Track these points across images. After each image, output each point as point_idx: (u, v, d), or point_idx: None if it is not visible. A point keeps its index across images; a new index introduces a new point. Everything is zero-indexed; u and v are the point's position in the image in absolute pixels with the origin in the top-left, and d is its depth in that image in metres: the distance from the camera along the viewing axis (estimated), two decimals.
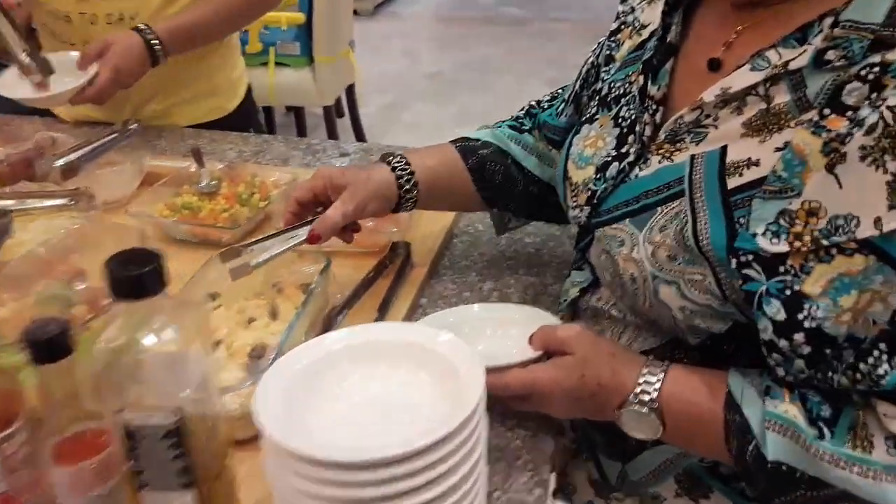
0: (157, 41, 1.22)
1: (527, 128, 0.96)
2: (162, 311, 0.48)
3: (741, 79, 0.64)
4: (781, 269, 0.58)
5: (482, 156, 0.92)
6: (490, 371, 0.59)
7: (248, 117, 1.50)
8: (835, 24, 0.59)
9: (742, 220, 0.61)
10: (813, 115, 0.59)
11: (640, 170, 0.72)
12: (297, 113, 3.52)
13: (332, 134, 3.21)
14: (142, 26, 1.22)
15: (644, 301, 0.70)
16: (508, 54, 4.68)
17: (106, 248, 0.83)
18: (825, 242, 0.56)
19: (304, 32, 2.97)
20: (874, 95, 0.56)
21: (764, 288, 0.59)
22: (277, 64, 3.03)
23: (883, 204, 0.54)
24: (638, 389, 0.65)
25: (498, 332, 0.77)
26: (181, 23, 1.26)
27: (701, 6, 0.74)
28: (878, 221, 0.54)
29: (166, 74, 1.29)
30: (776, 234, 0.58)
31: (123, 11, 1.26)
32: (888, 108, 0.55)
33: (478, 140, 0.94)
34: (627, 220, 0.70)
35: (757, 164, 0.62)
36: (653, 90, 0.73)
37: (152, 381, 0.48)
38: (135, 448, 0.48)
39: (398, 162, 0.87)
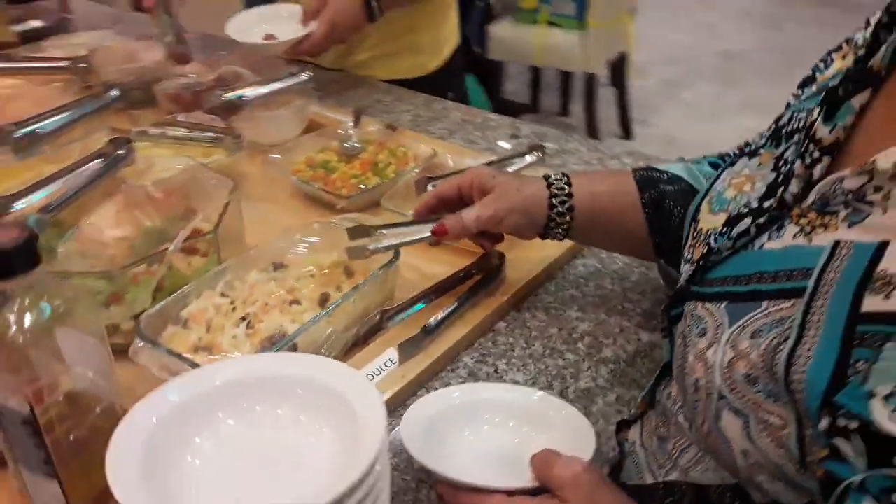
0: None
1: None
2: (35, 289, 0.44)
3: None
4: None
5: (663, 191, 0.75)
6: (466, 488, 0.51)
7: (449, 79, 1.44)
8: None
9: (861, 366, 0.41)
10: None
11: (769, 239, 0.52)
12: (565, 77, 3.41)
13: (590, 103, 3.06)
14: None
15: (703, 422, 0.52)
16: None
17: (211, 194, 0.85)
18: None
19: None
20: None
21: (859, 479, 0.39)
22: (549, 23, 2.93)
23: None
24: None
25: (497, 419, 0.63)
26: None
27: None
28: None
29: (372, 26, 1.27)
30: None
31: None
32: None
33: (665, 172, 0.77)
34: (725, 303, 0.52)
35: None
36: (822, 131, 0.52)
37: (26, 359, 0.45)
38: (4, 426, 0.46)
39: (558, 178, 0.75)
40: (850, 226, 0.46)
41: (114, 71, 1.21)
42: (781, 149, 0.58)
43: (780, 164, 0.57)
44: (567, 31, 2.91)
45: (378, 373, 0.70)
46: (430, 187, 0.90)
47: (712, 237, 0.58)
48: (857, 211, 0.46)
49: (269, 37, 1.21)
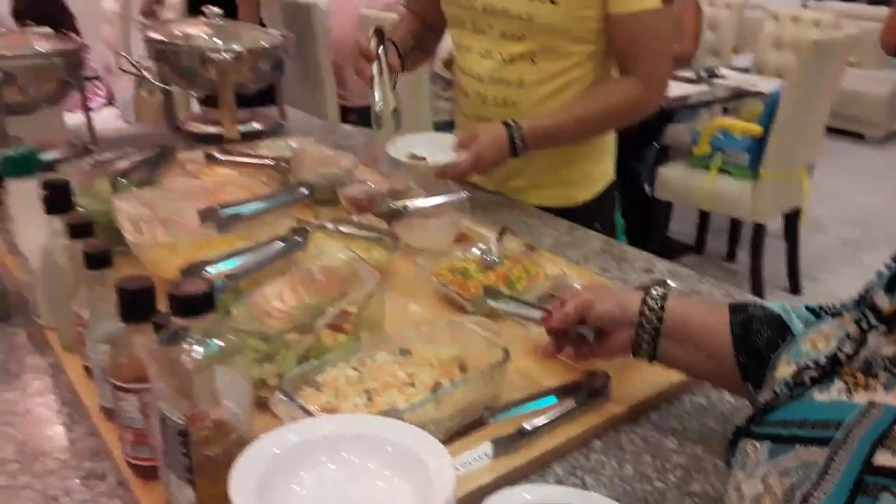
0: (520, 139, 1.34)
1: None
2: (209, 331, 0.58)
3: None
4: None
5: (752, 314, 0.79)
6: None
7: (597, 212, 1.53)
8: None
9: None
10: None
11: (820, 392, 0.57)
12: (734, 222, 3.39)
13: (757, 252, 3.01)
14: (510, 122, 1.35)
15: None
16: None
17: (363, 283, 0.99)
18: None
19: (757, 145, 2.86)
20: None
21: None
22: (721, 171, 2.97)
23: None
24: None
25: None
26: (545, 125, 1.37)
27: None
28: None
29: (529, 157, 1.41)
30: None
31: (508, 97, 1.41)
32: None
33: (757, 304, 0.82)
34: (769, 443, 0.57)
35: None
36: (882, 300, 0.56)
37: (191, 383, 0.58)
38: (165, 433, 0.59)
39: (657, 291, 0.83)
40: (886, 390, 0.50)
41: (308, 171, 1.43)
42: (860, 312, 0.61)
43: (860, 322, 0.60)
44: (739, 179, 2.93)
45: (471, 462, 0.78)
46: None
47: (783, 384, 0.62)
48: (895, 377, 0.50)
49: (421, 158, 1.38)
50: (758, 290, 3.03)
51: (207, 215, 1.08)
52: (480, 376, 0.84)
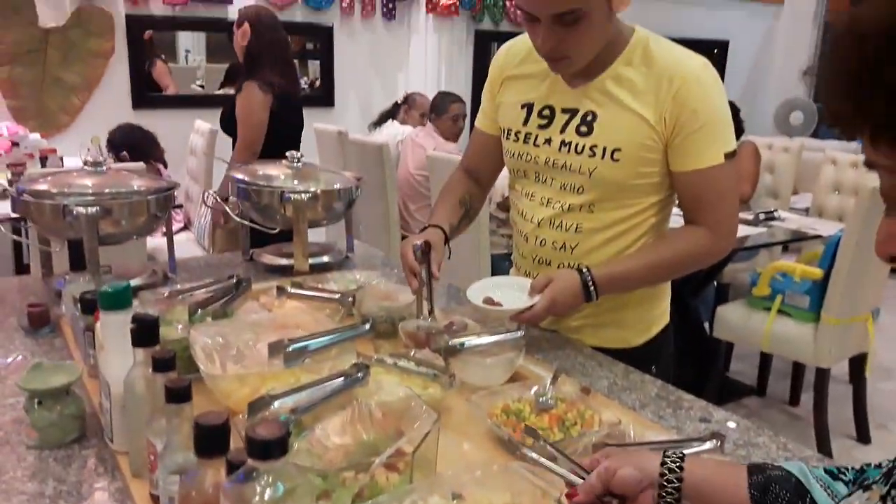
0: (593, 284, 1.38)
1: (847, 478, 0.80)
2: (276, 472, 0.62)
3: None
4: None
5: (770, 476, 0.81)
6: None
7: (654, 355, 1.54)
8: None
9: None
10: None
11: None
12: (796, 365, 3.31)
13: (821, 398, 2.91)
14: (583, 269, 1.39)
15: None
16: None
17: (419, 422, 1.02)
18: None
19: (819, 288, 2.84)
20: None
21: None
22: (781, 312, 2.94)
23: None
24: None
25: None
26: (617, 271, 1.41)
27: None
28: None
29: None
30: None
31: (567, 242, 1.47)
32: None
33: (775, 465, 0.83)
34: None
35: None
36: None
37: None
38: None
39: (676, 454, 0.85)
40: None
41: (371, 305, 1.50)
42: (888, 487, 0.62)
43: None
44: (800, 322, 2.89)
45: None
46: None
47: None
48: None
49: (496, 302, 1.43)
50: (823, 437, 2.91)
51: (275, 349, 1.14)
52: None
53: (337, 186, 1.85)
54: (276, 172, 1.86)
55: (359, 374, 1.10)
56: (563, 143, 1.43)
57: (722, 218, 1.41)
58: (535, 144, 1.47)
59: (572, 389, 1.23)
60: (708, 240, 1.41)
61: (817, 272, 2.80)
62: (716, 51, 6.73)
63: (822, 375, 2.91)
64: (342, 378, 1.09)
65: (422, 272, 1.44)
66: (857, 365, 3.06)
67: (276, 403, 1.00)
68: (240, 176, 1.84)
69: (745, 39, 6.98)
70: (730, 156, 1.37)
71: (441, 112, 4.12)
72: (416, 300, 1.46)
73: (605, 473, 0.84)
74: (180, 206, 4.07)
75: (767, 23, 7.17)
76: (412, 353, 1.28)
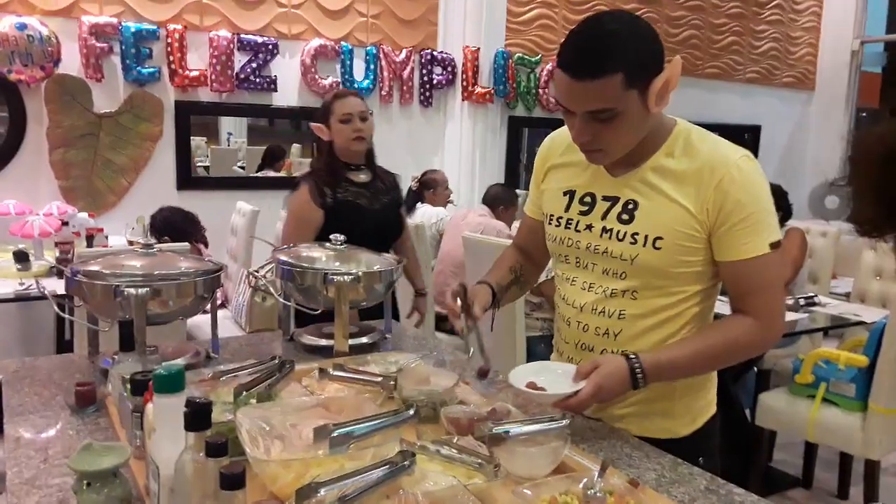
0: (640, 371, 1.36)
1: None
2: None
3: None
4: None
5: None
6: None
7: (701, 446, 1.50)
8: None
9: None
10: None
11: None
12: (844, 455, 3.19)
13: (871, 491, 2.79)
14: (631, 355, 1.37)
15: None
16: None
17: None
18: None
19: (864, 376, 2.76)
20: None
21: None
22: (826, 400, 2.86)
23: None
24: None
25: None
26: (664, 358, 1.39)
27: None
28: None
29: None
30: None
31: (610, 328, 1.46)
32: None
33: None
34: None
35: None
36: None
37: None
38: None
39: None
40: None
41: (412, 390, 1.49)
42: None
43: None
44: (846, 411, 2.80)
45: None
46: None
47: None
48: None
49: (539, 387, 1.40)
50: None
51: (321, 434, 1.14)
52: None
53: (377, 268, 1.88)
54: (318, 254, 1.89)
55: (405, 463, 1.09)
56: (604, 229, 1.44)
57: (769, 307, 1.40)
58: (576, 230, 1.49)
59: (620, 482, 1.20)
60: (756, 329, 1.39)
61: (863, 360, 2.73)
62: (747, 135, 6.80)
63: (872, 467, 2.80)
64: (387, 466, 1.08)
65: (463, 316, 1.48)
66: None
67: (323, 491, 0.99)
68: (284, 258, 1.88)
69: (777, 125, 7.06)
70: (775, 245, 1.37)
71: (509, 205, 4.32)
72: (464, 343, 1.49)
73: None
74: (220, 286, 4.13)
75: (799, 108, 7.25)
76: (455, 440, 1.27)
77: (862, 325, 3.23)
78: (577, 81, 1.29)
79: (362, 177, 2.66)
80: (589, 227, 1.47)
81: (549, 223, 1.56)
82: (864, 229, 0.58)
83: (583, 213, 1.49)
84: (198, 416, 0.92)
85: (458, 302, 1.49)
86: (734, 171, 1.35)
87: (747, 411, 3.26)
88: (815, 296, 3.53)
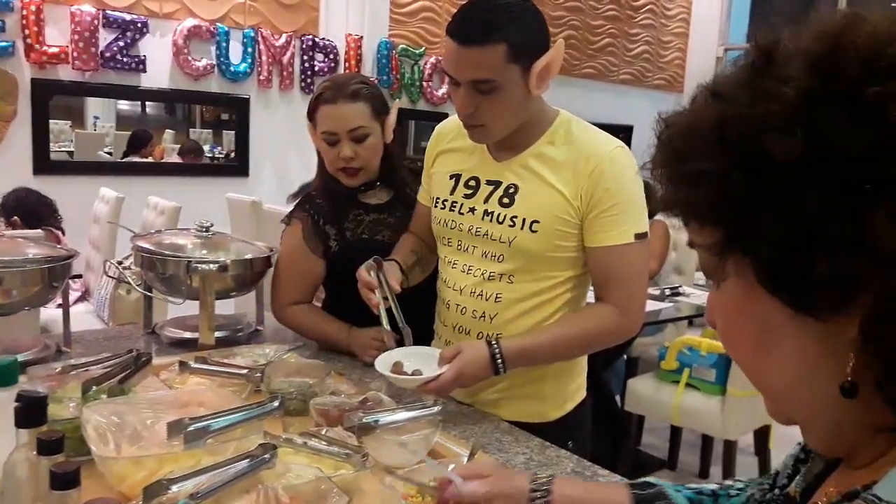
0: (500, 357, 1.38)
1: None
2: None
3: None
4: None
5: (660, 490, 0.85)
6: None
7: (570, 430, 1.53)
8: None
9: None
10: None
11: None
12: (706, 438, 3.38)
13: (728, 470, 2.97)
14: (492, 342, 1.39)
15: None
16: None
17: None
18: None
19: (724, 362, 2.93)
20: None
21: None
22: (689, 385, 3.01)
23: None
24: None
25: None
26: (524, 345, 1.42)
27: None
28: None
29: None
30: None
31: (486, 311, 1.48)
32: None
33: (657, 486, 0.86)
34: None
35: None
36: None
37: None
38: None
39: (543, 482, 0.89)
40: None
41: (281, 382, 1.43)
42: None
43: None
44: (707, 395, 2.96)
45: None
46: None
47: None
48: None
49: (404, 371, 1.40)
50: None
51: (175, 428, 1.07)
52: None
53: (248, 256, 1.80)
54: (182, 242, 1.79)
55: (265, 456, 1.04)
56: (485, 212, 1.47)
57: (630, 297, 1.44)
58: (460, 213, 1.51)
59: (489, 460, 1.20)
60: (615, 318, 1.43)
61: (721, 346, 2.89)
62: (620, 135, 7.08)
63: (730, 448, 2.98)
64: (247, 460, 1.03)
65: (383, 285, 1.46)
66: (762, 437, 3.15)
67: (174, 488, 0.93)
68: (144, 244, 1.76)
69: (649, 125, 7.37)
70: (640, 237, 1.41)
71: None
72: (380, 317, 1.48)
73: (482, 496, 0.90)
74: (79, 276, 3.87)
75: (669, 109, 7.61)
76: (323, 432, 1.23)
77: None
78: (462, 47, 1.32)
79: (380, 197, 1.82)
80: (472, 209, 1.48)
81: (436, 206, 1.57)
82: (667, 209, 0.59)
83: (467, 196, 1.50)
84: (30, 410, 0.84)
85: (373, 275, 1.48)
86: (607, 161, 1.39)
87: (618, 397, 3.39)
88: (680, 286, 3.72)
